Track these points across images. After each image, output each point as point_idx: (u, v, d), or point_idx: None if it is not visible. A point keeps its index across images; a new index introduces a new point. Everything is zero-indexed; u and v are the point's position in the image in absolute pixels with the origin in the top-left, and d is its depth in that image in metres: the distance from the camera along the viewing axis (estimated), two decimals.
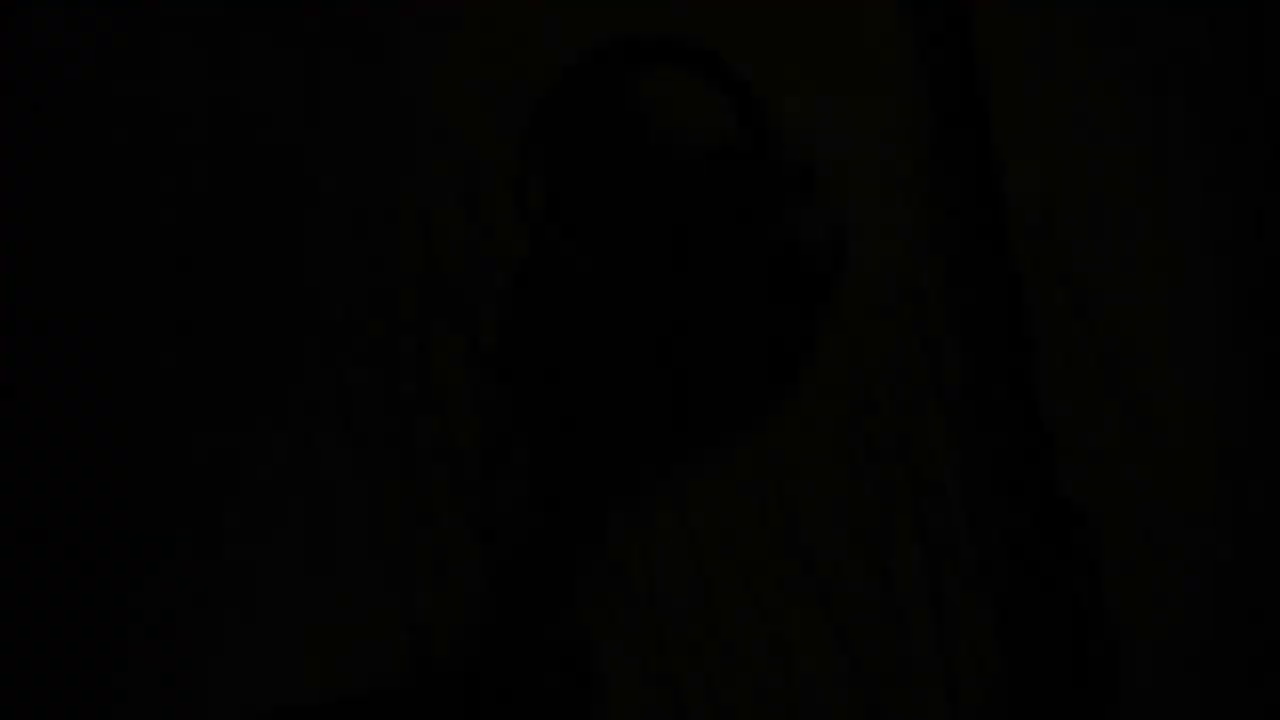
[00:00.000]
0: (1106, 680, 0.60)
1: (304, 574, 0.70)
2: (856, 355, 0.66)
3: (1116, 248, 0.64)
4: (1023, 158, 0.65)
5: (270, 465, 0.72)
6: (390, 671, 0.68)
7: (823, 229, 0.67)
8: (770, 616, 0.65)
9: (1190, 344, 0.62)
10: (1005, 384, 0.65)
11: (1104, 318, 0.63)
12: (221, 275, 0.75)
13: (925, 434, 0.65)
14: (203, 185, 0.76)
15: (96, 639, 0.72)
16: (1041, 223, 0.65)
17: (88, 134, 0.79)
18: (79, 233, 0.78)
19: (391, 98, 0.74)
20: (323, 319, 0.73)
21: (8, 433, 0.76)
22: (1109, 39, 0.65)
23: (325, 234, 0.74)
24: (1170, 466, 0.61)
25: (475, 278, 0.71)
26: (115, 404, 0.75)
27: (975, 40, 0.67)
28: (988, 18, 0.67)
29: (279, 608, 0.70)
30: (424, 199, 0.73)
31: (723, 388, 0.68)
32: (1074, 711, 0.61)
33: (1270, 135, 0.64)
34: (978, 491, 0.64)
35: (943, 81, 0.68)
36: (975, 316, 0.65)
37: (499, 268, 0.71)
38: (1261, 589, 0.59)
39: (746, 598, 0.65)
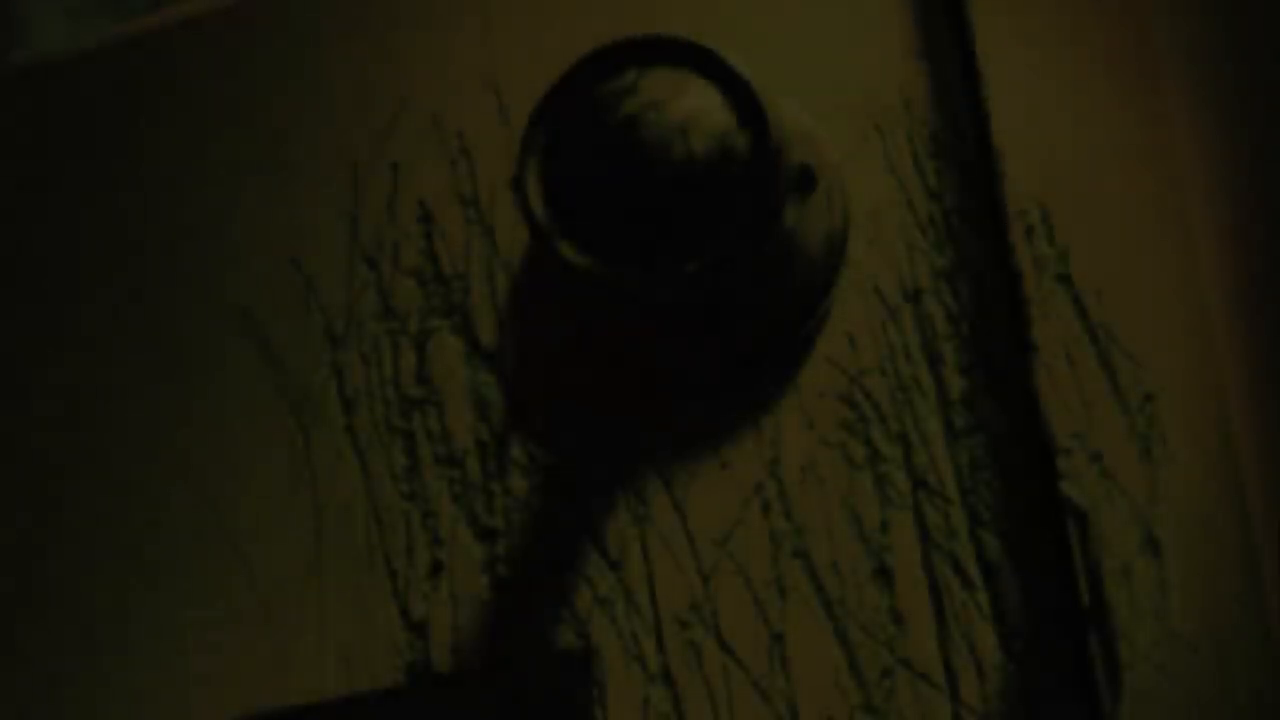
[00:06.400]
0: (1106, 680, 0.60)
1: (304, 573, 0.70)
2: (856, 354, 0.66)
3: (1116, 248, 0.64)
4: (1023, 157, 0.65)
5: (269, 465, 0.72)
6: (390, 671, 0.68)
7: (823, 229, 0.66)
8: (770, 616, 0.65)
9: (1191, 344, 0.62)
10: (1005, 384, 0.65)
11: (1104, 317, 0.63)
12: (221, 274, 0.75)
13: (925, 434, 0.65)
14: (200, 184, 0.76)
15: (96, 637, 0.72)
16: (1041, 223, 0.65)
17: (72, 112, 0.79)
18: (72, 227, 0.78)
19: (391, 97, 0.74)
20: (322, 318, 0.73)
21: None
22: (1109, 38, 0.65)
23: (324, 233, 0.74)
24: (1170, 466, 0.61)
25: (475, 278, 0.71)
26: (110, 402, 0.75)
27: (975, 40, 0.67)
28: (987, 17, 0.67)
29: (279, 607, 0.70)
30: (423, 198, 0.73)
31: (721, 387, 0.68)
32: (1073, 711, 0.61)
33: (1272, 133, 0.63)
34: (978, 491, 0.64)
35: (943, 80, 0.68)
36: (975, 316, 0.65)
37: (499, 268, 0.71)
38: (1262, 588, 0.59)
39: (746, 598, 0.65)
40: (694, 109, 0.61)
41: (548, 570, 0.67)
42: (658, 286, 0.60)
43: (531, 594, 0.67)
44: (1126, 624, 0.60)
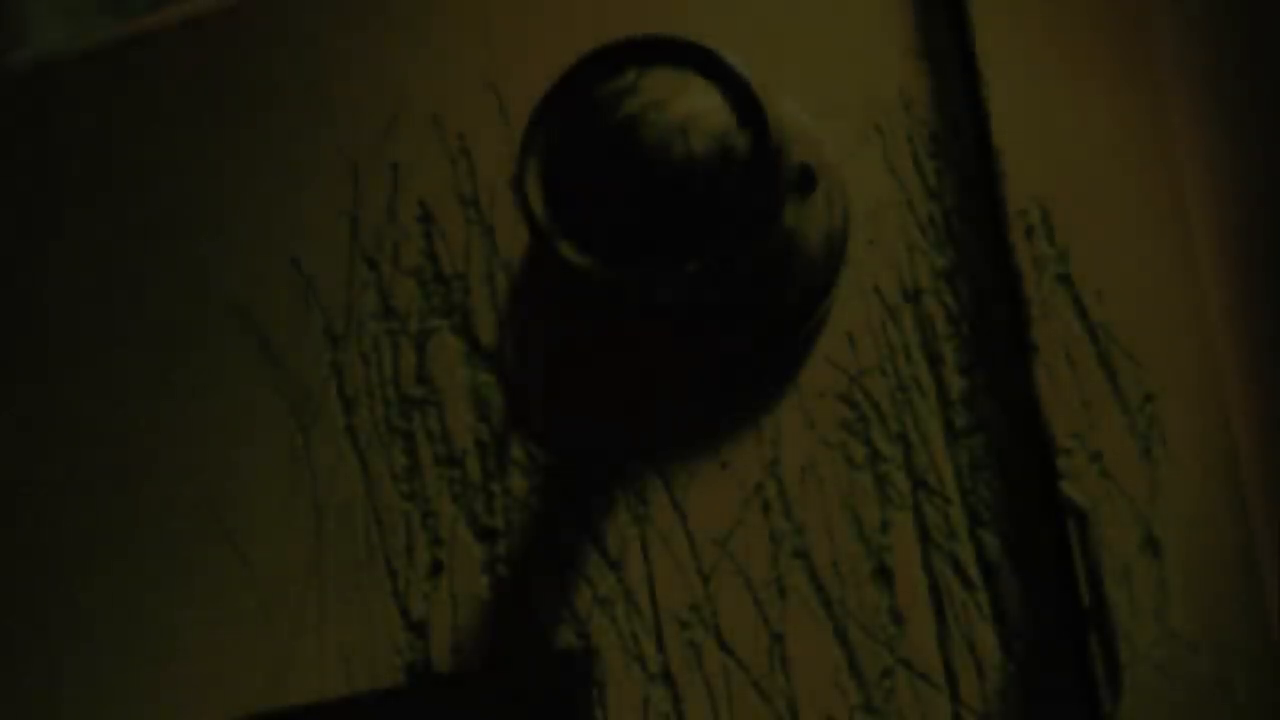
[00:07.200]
0: (1107, 680, 0.60)
1: (304, 573, 0.70)
2: (856, 354, 0.66)
3: (1116, 248, 0.64)
4: (1023, 157, 0.65)
5: (269, 465, 0.72)
6: (390, 671, 0.68)
7: (823, 229, 0.66)
8: (770, 616, 0.65)
9: (1191, 344, 0.62)
10: (1005, 384, 0.65)
11: (1104, 317, 0.63)
12: (221, 273, 0.75)
13: (925, 434, 0.65)
14: (200, 183, 0.76)
15: (97, 637, 0.72)
16: (1041, 223, 0.65)
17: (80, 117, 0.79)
18: (69, 224, 0.78)
19: (391, 97, 0.74)
20: (322, 318, 0.73)
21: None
22: (1109, 37, 0.65)
23: (324, 233, 0.74)
24: (1170, 466, 0.61)
25: (475, 278, 0.71)
26: (109, 402, 0.75)
27: (975, 40, 0.67)
28: (987, 17, 0.67)
29: (279, 607, 0.70)
30: (423, 198, 0.73)
31: (721, 387, 0.68)
32: (1073, 711, 0.61)
33: (1273, 133, 0.63)
34: (978, 491, 0.64)
35: (943, 80, 0.68)
36: (975, 316, 0.65)
37: (499, 268, 0.71)
38: (1262, 588, 0.59)
39: (746, 598, 0.65)
40: (694, 109, 0.61)
41: (548, 570, 0.67)
42: (658, 286, 0.60)
43: (531, 594, 0.67)
44: (1126, 624, 0.60)
